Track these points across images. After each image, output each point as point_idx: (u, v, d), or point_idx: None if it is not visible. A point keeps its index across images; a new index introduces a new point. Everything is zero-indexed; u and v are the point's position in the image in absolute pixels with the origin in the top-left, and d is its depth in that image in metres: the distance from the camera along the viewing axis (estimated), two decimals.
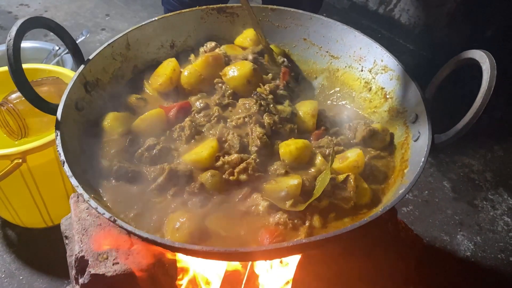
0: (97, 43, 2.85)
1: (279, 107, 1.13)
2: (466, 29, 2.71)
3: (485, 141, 2.40)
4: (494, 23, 2.56)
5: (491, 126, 2.43)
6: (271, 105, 1.11)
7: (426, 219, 2.01)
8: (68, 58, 2.37)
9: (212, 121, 1.11)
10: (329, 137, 1.08)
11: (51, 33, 1.04)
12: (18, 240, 1.84)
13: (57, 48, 2.45)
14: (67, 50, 2.38)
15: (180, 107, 1.13)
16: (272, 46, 1.34)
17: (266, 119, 1.07)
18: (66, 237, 1.20)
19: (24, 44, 2.41)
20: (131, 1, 3.43)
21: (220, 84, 1.18)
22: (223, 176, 0.97)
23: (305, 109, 1.13)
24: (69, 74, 1.77)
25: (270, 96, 1.14)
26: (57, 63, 2.21)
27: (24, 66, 1.84)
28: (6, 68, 1.81)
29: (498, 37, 2.53)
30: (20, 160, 1.49)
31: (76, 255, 0.99)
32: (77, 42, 2.45)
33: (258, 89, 1.15)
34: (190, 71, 1.20)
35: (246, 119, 1.08)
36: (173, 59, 1.22)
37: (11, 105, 1.43)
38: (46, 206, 1.74)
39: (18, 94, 1.45)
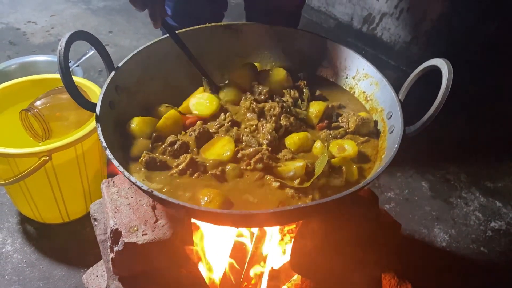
0: None
1: (297, 110, 1.36)
2: (441, 45, 2.99)
3: (461, 146, 2.65)
4: (468, 41, 2.85)
5: (466, 134, 2.69)
6: (291, 108, 1.34)
7: (406, 214, 2.23)
8: (78, 70, 2.57)
9: (227, 125, 1.29)
10: (328, 131, 1.31)
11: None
12: (37, 234, 2.00)
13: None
14: (77, 64, 2.59)
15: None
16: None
17: (283, 120, 1.29)
18: (95, 219, 1.39)
19: (37, 58, 2.64)
20: (133, 18, 3.64)
21: (256, 86, 1.41)
22: (241, 167, 1.17)
23: (312, 109, 1.36)
24: (84, 83, 1.94)
25: (290, 100, 1.37)
26: None
27: (49, 76, 2.05)
28: (29, 78, 2.00)
29: (470, 53, 2.81)
30: (47, 157, 1.67)
31: (111, 228, 1.17)
32: (85, 57, 2.64)
33: (285, 93, 1.40)
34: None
35: (258, 125, 1.29)
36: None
37: (37, 110, 1.61)
38: (65, 202, 1.91)
39: (43, 100, 1.63)
